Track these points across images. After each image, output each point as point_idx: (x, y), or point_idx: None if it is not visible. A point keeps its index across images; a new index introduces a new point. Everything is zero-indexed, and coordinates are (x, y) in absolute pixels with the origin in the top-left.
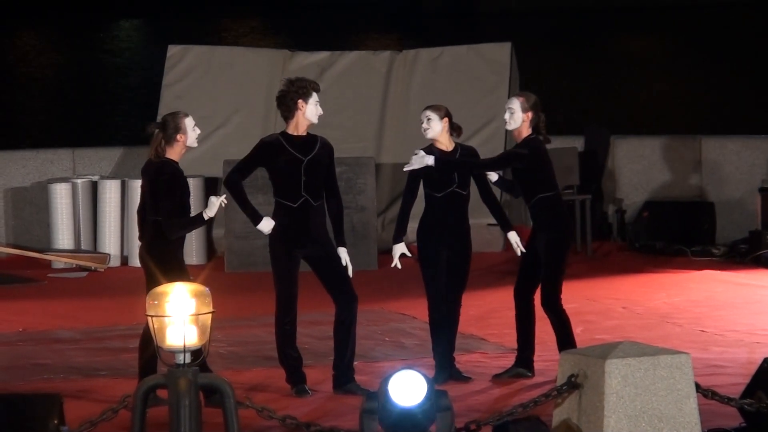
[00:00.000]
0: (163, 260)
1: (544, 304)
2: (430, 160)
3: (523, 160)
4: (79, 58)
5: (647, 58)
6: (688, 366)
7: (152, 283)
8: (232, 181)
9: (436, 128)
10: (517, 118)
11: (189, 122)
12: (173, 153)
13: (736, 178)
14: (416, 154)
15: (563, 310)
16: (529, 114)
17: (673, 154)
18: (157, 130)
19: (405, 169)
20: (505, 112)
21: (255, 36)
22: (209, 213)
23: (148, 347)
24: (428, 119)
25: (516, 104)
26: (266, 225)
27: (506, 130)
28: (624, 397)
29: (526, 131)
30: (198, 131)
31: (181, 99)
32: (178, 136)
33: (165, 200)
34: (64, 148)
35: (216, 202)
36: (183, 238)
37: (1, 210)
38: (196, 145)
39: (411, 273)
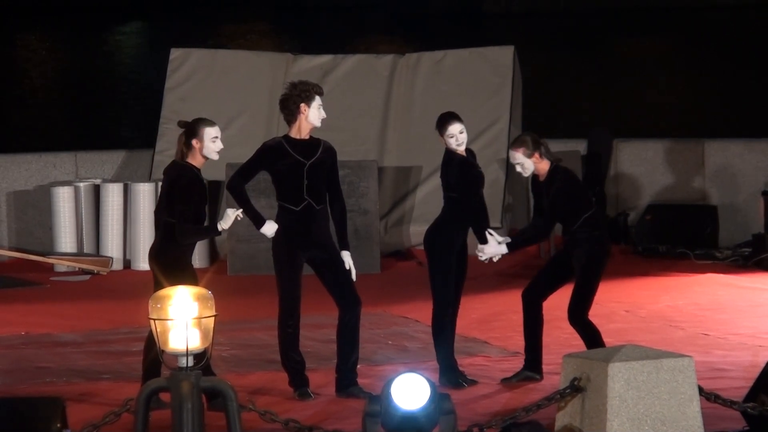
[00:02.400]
0: (170, 263)
1: (571, 318)
2: (503, 249)
3: (565, 193)
4: (81, 61)
5: (650, 60)
6: (691, 369)
7: (159, 285)
8: (235, 185)
9: (530, 168)
10: (528, 165)
11: (209, 132)
12: (194, 159)
13: (740, 182)
14: (483, 249)
15: (590, 323)
16: (536, 153)
17: (676, 157)
18: (182, 131)
19: (480, 258)
20: (515, 167)
21: (257, 39)
22: (224, 225)
23: (152, 350)
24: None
25: (520, 156)
26: (269, 228)
27: (508, 132)
28: (627, 400)
29: (544, 164)
30: (219, 145)
31: (184, 102)
32: (194, 141)
33: (180, 204)
34: (66, 152)
35: (232, 215)
36: (193, 243)
37: (4, 213)
38: (215, 157)
39: (414, 277)
